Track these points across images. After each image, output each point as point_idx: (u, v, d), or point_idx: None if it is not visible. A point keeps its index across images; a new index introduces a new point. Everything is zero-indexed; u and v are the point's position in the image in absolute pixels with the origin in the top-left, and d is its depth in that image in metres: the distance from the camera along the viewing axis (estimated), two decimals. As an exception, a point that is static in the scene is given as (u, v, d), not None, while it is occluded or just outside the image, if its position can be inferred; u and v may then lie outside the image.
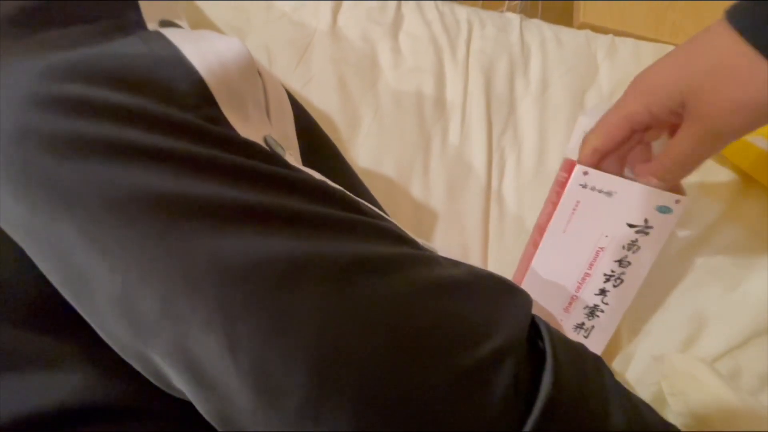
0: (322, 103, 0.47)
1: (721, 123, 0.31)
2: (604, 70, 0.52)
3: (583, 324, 0.37)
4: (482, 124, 0.48)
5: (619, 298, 0.36)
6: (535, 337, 0.30)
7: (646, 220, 0.34)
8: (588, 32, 0.55)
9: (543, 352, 0.28)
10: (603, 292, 0.36)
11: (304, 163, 0.34)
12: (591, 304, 0.36)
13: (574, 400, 0.27)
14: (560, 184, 0.36)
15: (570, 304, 0.37)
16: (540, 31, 0.54)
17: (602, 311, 0.36)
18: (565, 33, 0.54)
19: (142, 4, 0.35)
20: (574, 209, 0.35)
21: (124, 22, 0.32)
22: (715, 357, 0.39)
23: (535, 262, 0.37)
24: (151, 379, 0.24)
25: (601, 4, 0.68)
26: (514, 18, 0.55)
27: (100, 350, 0.23)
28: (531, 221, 0.45)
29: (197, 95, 0.26)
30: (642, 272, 0.35)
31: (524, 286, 0.37)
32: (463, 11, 0.55)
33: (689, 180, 0.45)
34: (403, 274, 0.26)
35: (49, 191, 0.21)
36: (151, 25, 0.34)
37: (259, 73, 0.33)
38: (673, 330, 0.40)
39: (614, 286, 0.36)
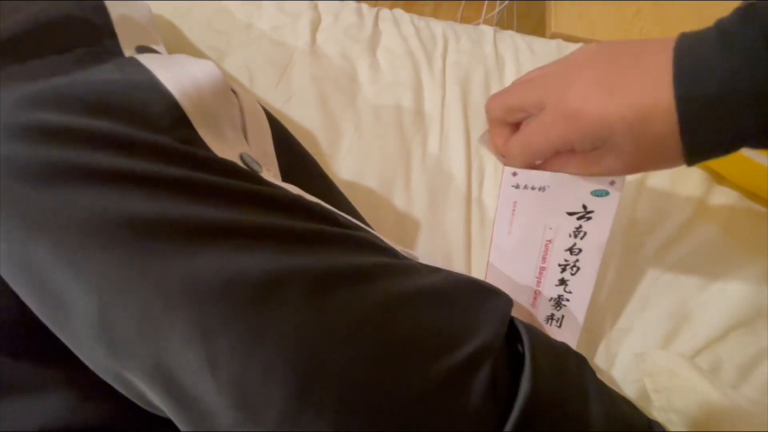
0: (304, 119, 0.48)
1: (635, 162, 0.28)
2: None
3: (552, 315, 0.38)
4: (460, 133, 0.49)
5: (581, 283, 0.37)
6: (515, 340, 0.30)
7: (584, 206, 0.34)
8: (559, 41, 0.57)
9: (523, 354, 0.29)
10: (563, 282, 0.37)
11: (284, 179, 0.35)
12: (555, 296, 0.37)
13: (554, 400, 0.28)
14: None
15: (535, 299, 0.38)
16: (513, 42, 0.55)
17: (567, 300, 0.37)
18: (538, 43, 0.56)
19: (119, 31, 0.36)
20: (513, 210, 0.35)
21: (100, 49, 0.33)
22: (696, 351, 0.39)
23: (491, 265, 0.38)
24: (132, 398, 0.24)
25: (572, 15, 0.70)
26: (488, 30, 0.57)
27: (81, 373, 0.23)
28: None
29: (172, 117, 0.26)
30: (596, 255, 0.36)
31: None
32: (438, 26, 0.57)
33: (662, 179, 0.46)
34: (380, 284, 0.26)
35: (23, 218, 0.21)
36: (128, 52, 0.35)
37: (235, 93, 0.34)
38: (654, 327, 0.41)
39: (572, 274, 0.36)
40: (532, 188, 0.34)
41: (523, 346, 0.29)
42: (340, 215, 0.30)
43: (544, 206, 0.35)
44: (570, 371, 0.31)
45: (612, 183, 0.33)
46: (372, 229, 0.34)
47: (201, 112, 0.28)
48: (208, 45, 0.50)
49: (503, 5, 0.81)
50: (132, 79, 0.27)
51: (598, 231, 0.35)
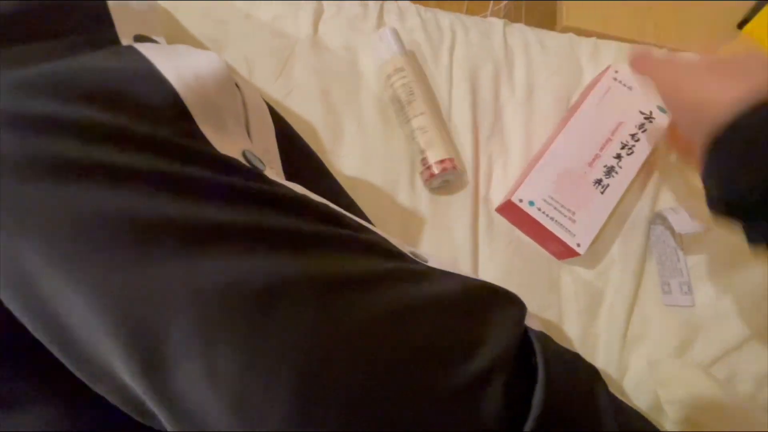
0: (305, 113, 0.46)
1: None
2: (588, 73, 0.52)
3: (601, 180, 0.45)
4: (468, 130, 0.48)
5: (629, 165, 0.45)
6: (529, 350, 0.29)
7: (650, 112, 0.47)
8: (571, 36, 0.55)
9: (535, 366, 0.27)
10: (619, 156, 0.45)
11: (287, 177, 0.34)
12: (609, 165, 0.45)
13: (566, 413, 0.27)
14: (594, 82, 0.49)
15: (593, 160, 0.45)
16: (524, 36, 0.54)
17: (617, 173, 0.45)
18: (549, 37, 0.54)
19: (116, 19, 0.34)
20: (604, 94, 0.47)
21: (96, 37, 0.32)
22: (711, 361, 0.38)
23: (569, 126, 0.46)
24: (123, 408, 0.23)
25: (584, 8, 0.68)
26: (497, 23, 0.55)
27: (59, 387, 0.23)
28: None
29: (171, 110, 0.25)
30: (644, 151, 0.46)
31: (557, 143, 0.45)
32: (446, 18, 0.55)
33: (677, 188, 0.45)
34: (389, 291, 0.25)
35: (10, 215, 0.20)
36: (125, 41, 0.33)
37: (238, 87, 0.32)
38: (668, 336, 0.40)
39: (627, 154, 0.45)
40: (624, 84, 0.47)
41: (535, 357, 0.28)
42: (346, 216, 0.29)
43: (627, 100, 0.47)
44: (582, 384, 0.30)
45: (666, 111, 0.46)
46: (378, 229, 0.33)
47: (202, 104, 0.26)
48: (205, 35, 0.48)
49: (509, -2, 0.80)
50: (130, 67, 0.26)
51: (653, 133, 0.46)
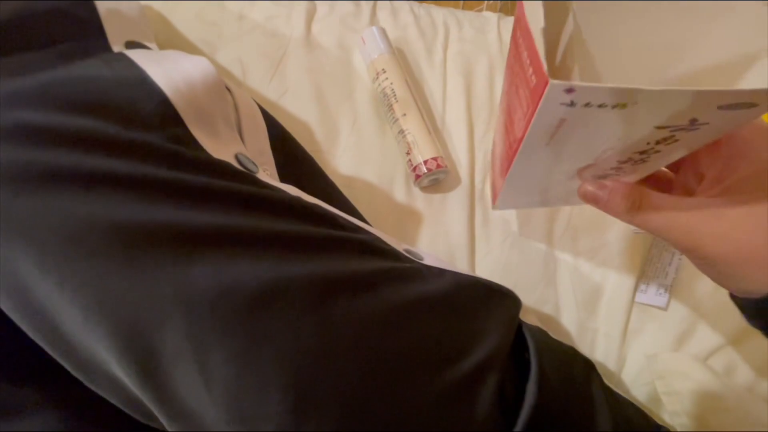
0: (300, 114, 0.46)
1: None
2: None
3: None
4: (463, 127, 0.48)
5: (638, 169, 0.28)
6: (521, 344, 0.29)
7: (693, 121, 0.21)
8: (565, 29, 0.54)
9: (529, 361, 0.28)
10: (617, 170, 0.28)
11: (281, 179, 0.34)
12: (598, 174, 0.29)
13: (560, 410, 0.27)
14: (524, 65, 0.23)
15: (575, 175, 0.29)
16: (517, 30, 0.53)
17: (615, 175, 0.29)
18: (543, 31, 0.54)
19: (107, 26, 0.34)
20: (558, 126, 0.23)
21: (87, 44, 0.32)
22: (709, 353, 0.38)
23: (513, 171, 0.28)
24: (124, 408, 0.23)
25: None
26: (491, 17, 0.55)
27: (62, 393, 0.23)
28: (516, 223, 0.45)
29: (162, 115, 0.25)
30: (685, 149, 0.25)
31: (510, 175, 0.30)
32: (439, 13, 0.55)
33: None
34: (382, 292, 0.25)
35: (3, 224, 0.20)
36: (117, 47, 0.33)
37: (229, 90, 0.32)
38: (667, 328, 0.40)
39: (632, 164, 0.27)
40: (599, 107, 0.20)
41: (529, 353, 0.28)
42: (340, 216, 0.29)
43: (614, 126, 0.22)
44: (576, 379, 0.30)
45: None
46: (373, 228, 0.33)
47: (194, 109, 0.27)
48: (199, 38, 0.48)
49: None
50: (120, 74, 0.26)
51: (702, 137, 0.23)
